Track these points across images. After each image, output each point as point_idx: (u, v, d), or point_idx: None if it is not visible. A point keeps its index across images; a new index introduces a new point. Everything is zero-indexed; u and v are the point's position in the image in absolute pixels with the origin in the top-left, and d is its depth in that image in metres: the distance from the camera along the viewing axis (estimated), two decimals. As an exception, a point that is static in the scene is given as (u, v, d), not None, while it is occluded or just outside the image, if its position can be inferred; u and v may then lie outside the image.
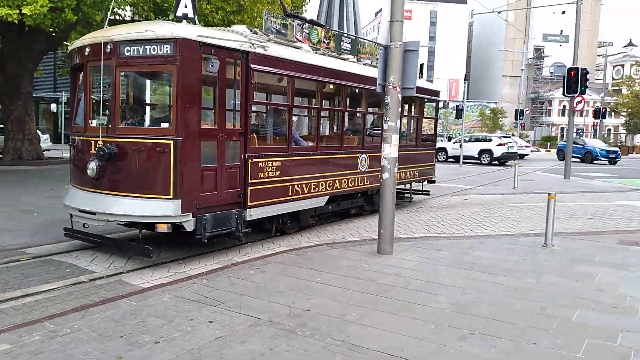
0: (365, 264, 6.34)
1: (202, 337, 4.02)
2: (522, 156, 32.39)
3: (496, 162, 27.54)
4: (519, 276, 5.93)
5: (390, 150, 6.79)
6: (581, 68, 17.84)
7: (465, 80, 18.83)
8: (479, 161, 27.76)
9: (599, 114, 42.96)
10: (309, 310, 4.65)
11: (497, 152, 27.49)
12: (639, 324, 4.43)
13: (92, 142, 6.35)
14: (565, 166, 19.03)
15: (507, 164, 27.01)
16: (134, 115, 7.05)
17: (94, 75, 6.63)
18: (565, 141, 33.97)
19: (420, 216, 10.32)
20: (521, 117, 43.05)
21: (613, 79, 78.96)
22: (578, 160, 31.33)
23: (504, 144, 27.61)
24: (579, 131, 72.44)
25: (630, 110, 54.51)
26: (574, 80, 17.70)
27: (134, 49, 6.08)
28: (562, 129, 73.15)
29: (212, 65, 6.06)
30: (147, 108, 7.86)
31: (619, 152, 32.68)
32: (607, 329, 4.28)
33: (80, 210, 6.42)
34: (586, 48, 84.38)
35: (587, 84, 17.93)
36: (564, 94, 18.77)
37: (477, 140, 29.42)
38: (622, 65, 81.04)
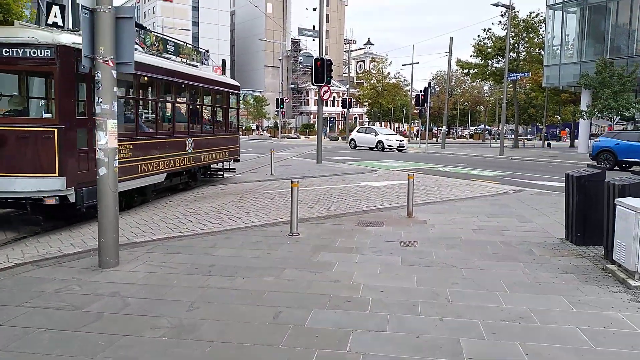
0: (77, 285, 5.00)
1: None
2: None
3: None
4: (259, 275, 5.39)
5: (107, 139, 5.52)
6: (326, 59, 18.94)
7: (222, 66, 18.47)
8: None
9: (345, 103, 47.96)
10: (-45, 377, 3.19)
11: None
12: (368, 319, 4.24)
13: None
14: (317, 151, 20.15)
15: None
16: (16, 106, 8.14)
17: None
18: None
19: (167, 212, 9.21)
20: (281, 106, 45.22)
21: (357, 73, 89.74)
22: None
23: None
24: (332, 119, 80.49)
25: (370, 100, 62.42)
26: (321, 71, 18.71)
27: (13, 51, 7.09)
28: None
29: (84, 67, 6.29)
30: (30, 101, 8.86)
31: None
32: (338, 332, 3.95)
33: None
34: (334, 44, 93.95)
35: (338, 77, 19.19)
36: (312, 84, 19.75)
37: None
38: (364, 61, 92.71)
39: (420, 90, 38.79)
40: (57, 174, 7.17)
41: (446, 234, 7.54)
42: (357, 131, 37.62)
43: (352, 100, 57.70)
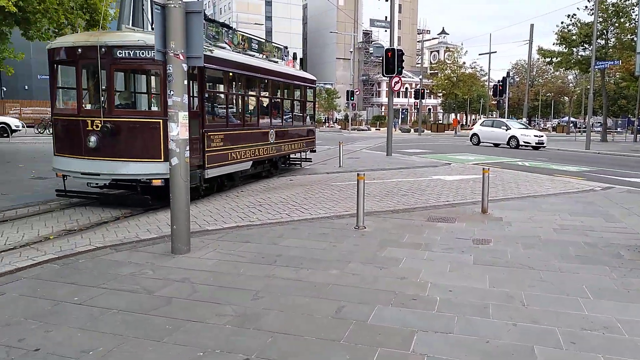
0: (150, 270, 5.21)
1: None
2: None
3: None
4: (324, 267, 5.34)
5: (178, 130, 5.68)
6: (397, 49, 18.55)
7: (295, 59, 18.92)
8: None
9: (419, 94, 46.91)
10: (37, 351, 3.40)
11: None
12: (435, 319, 4.05)
13: (89, 121, 8.24)
14: (387, 144, 19.85)
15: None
16: (125, 100, 9.51)
17: (85, 71, 8.79)
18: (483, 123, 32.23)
19: (238, 202, 9.43)
20: (352, 98, 45.02)
21: (430, 63, 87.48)
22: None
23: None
24: (404, 110, 79.11)
25: (444, 91, 60.62)
26: (392, 62, 18.34)
27: (125, 52, 8.10)
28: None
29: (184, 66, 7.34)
30: (137, 95, 10.62)
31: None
32: (403, 331, 3.80)
33: (82, 173, 8.40)
34: (407, 35, 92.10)
35: (410, 68, 18.85)
36: (383, 75, 19.42)
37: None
38: (438, 51, 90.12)
39: (498, 81, 37.09)
40: (162, 160, 8.06)
41: (524, 233, 7.10)
42: (482, 124, 32.05)
43: (426, 91, 56.36)
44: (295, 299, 4.43)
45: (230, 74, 10.54)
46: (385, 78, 19.24)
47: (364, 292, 4.64)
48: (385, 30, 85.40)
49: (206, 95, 9.61)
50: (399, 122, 66.55)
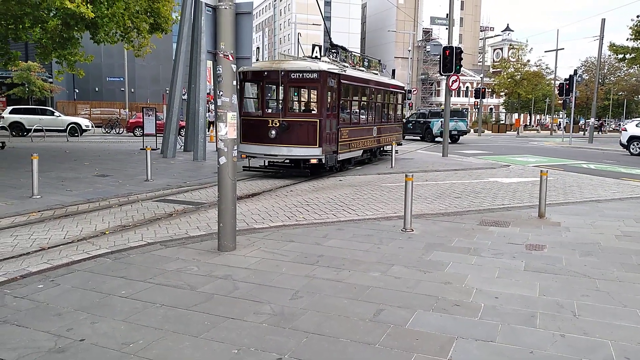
0: (195, 266, 5.35)
1: None
2: None
3: None
4: (365, 269, 5.28)
5: (227, 130, 5.79)
6: (455, 47, 18.06)
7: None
8: None
9: (479, 93, 45.50)
10: (82, 341, 3.56)
11: None
12: (477, 326, 3.89)
13: (270, 120, 12.18)
14: (443, 144, 19.37)
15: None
16: (295, 107, 15.40)
17: (268, 87, 13.34)
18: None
19: (287, 201, 9.53)
20: (409, 97, 44.30)
21: (493, 61, 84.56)
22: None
23: None
24: (464, 110, 76.95)
25: (507, 90, 58.39)
26: (449, 60, 17.88)
27: (298, 74, 12.20)
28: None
29: (330, 82, 12.38)
30: (302, 104, 16.30)
31: None
32: (441, 337, 3.67)
33: (265, 155, 12.60)
34: (469, 32, 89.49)
35: (472, 66, 18.47)
36: (440, 74, 18.98)
37: None
38: (501, 49, 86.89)
39: (565, 79, 35.26)
40: (317, 146, 12.12)
41: (582, 239, 6.71)
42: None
43: (487, 90, 54.53)
44: (334, 300, 4.40)
45: (354, 85, 14.20)
46: (444, 77, 18.79)
47: (405, 295, 4.53)
48: (446, 28, 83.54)
49: (341, 101, 13.13)
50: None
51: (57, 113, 29.45)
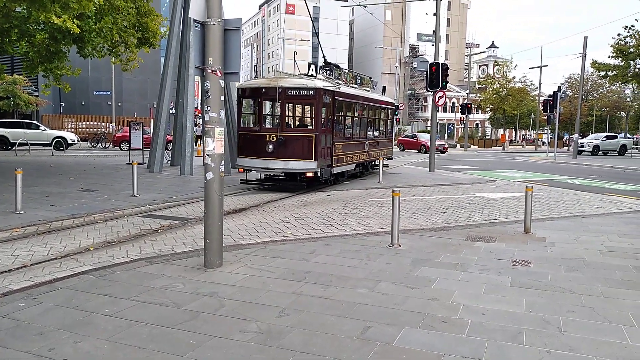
0: (181, 283, 5.28)
1: None
2: None
3: None
4: (352, 285, 5.26)
5: (214, 145, 5.78)
6: (442, 63, 18.30)
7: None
8: None
9: (465, 109, 46.05)
10: (64, 361, 3.49)
11: None
12: (464, 343, 3.89)
13: (267, 135, 12.59)
14: (429, 159, 19.52)
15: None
16: (291, 122, 15.41)
17: (266, 103, 14.30)
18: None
19: (274, 216, 9.49)
20: (397, 113, 44.65)
21: (479, 77, 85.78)
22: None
23: None
24: (450, 125, 77.80)
25: (492, 106, 59.17)
26: (436, 76, 18.10)
27: (295, 91, 12.62)
28: (437, 123, 77.84)
29: (326, 99, 12.84)
30: (298, 119, 16.57)
31: None
32: (428, 355, 3.66)
33: (262, 168, 12.85)
34: (455, 49, 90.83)
35: (458, 82, 18.72)
36: (427, 89, 19.19)
37: None
38: (487, 65, 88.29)
39: (549, 95, 35.85)
40: (313, 160, 12.43)
41: (567, 254, 6.77)
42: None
43: (473, 106, 55.19)
44: (321, 318, 4.37)
45: (348, 102, 14.71)
46: (430, 93, 19.01)
47: (392, 312, 4.52)
48: (433, 45, 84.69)
49: (335, 117, 13.68)
50: (445, 137, 65.41)
51: (42, 127, 29.18)
